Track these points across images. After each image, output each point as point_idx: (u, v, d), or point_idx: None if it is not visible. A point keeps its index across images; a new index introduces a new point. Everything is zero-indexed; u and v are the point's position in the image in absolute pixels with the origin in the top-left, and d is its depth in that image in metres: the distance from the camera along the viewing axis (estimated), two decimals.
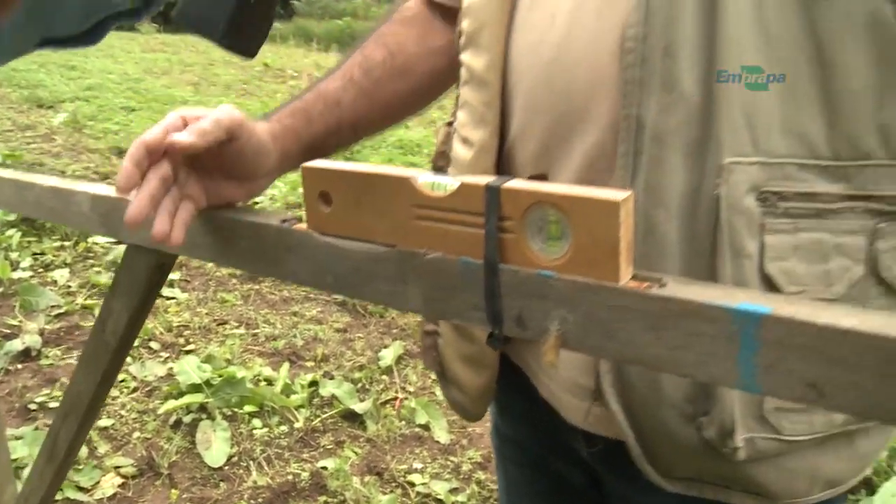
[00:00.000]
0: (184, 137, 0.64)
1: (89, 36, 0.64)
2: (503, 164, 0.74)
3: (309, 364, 2.89)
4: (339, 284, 0.69)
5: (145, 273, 0.93)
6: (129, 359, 2.92)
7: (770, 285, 0.61)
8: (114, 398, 2.62)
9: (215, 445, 2.32)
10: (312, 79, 10.18)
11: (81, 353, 1.10)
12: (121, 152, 6.27)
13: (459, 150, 0.74)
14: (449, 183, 0.58)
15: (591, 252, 0.52)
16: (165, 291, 3.43)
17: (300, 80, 10.36)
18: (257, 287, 3.59)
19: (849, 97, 0.59)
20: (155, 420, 2.48)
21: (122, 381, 2.73)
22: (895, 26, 0.57)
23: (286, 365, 2.81)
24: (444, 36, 0.86)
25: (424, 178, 0.60)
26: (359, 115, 0.83)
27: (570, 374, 0.74)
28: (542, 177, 0.57)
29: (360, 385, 2.72)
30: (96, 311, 3.24)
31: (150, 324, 3.12)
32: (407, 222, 0.61)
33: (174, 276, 3.63)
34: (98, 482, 2.18)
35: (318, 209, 0.68)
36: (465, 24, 0.74)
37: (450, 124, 0.79)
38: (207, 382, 2.54)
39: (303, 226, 0.72)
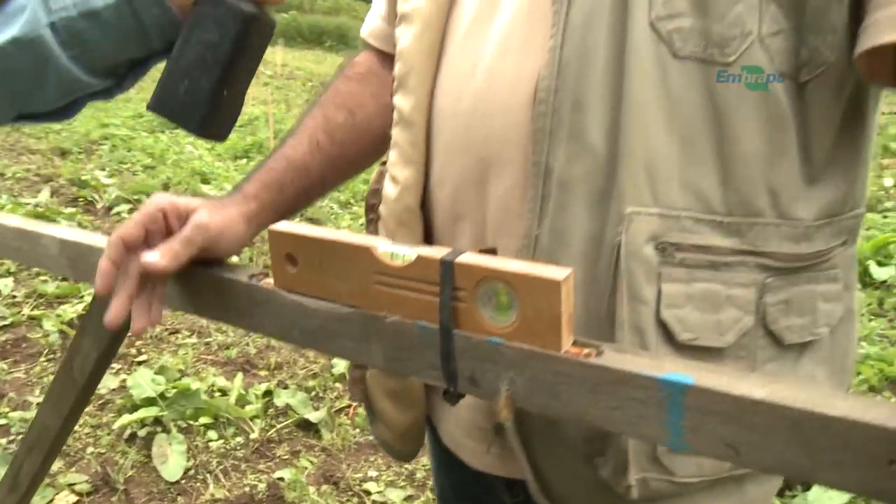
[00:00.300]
0: (157, 261, 0.68)
1: (64, 111, 0.67)
2: (426, 202, 0.78)
3: (262, 373, 2.91)
4: (305, 339, 0.74)
5: None
6: None
7: (665, 331, 0.66)
8: None
9: (172, 459, 2.34)
10: (259, 74, 10.06)
11: (48, 389, 1.12)
12: (63, 153, 6.15)
13: (388, 188, 0.78)
14: (406, 253, 0.64)
15: (536, 322, 0.58)
16: None
17: None
18: None
19: (741, 160, 0.64)
20: (109, 434, 2.48)
21: None
22: (783, 100, 0.64)
23: (240, 375, 2.83)
24: None
25: (384, 248, 0.65)
26: (325, 177, 0.88)
27: (472, 417, 0.79)
28: (491, 250, 0.63)
29: (313, 394, 2.76)
30: (44, 323, 3.20)
31: None
32: (368, 287, 0.67)
33: None
34: (51, 501, 2.18)
35: (284, 269, 0.72)
36: (396, 67, 0.78)
37: (383, 164, 0.84)
38: (162, 395, 2.55)
39: (270, 281, 0.76)
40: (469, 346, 0.62)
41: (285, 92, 9.86)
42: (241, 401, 2.67)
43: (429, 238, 0.80)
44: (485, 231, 0.73)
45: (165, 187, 5.26)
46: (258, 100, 8.61)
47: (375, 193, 0.85)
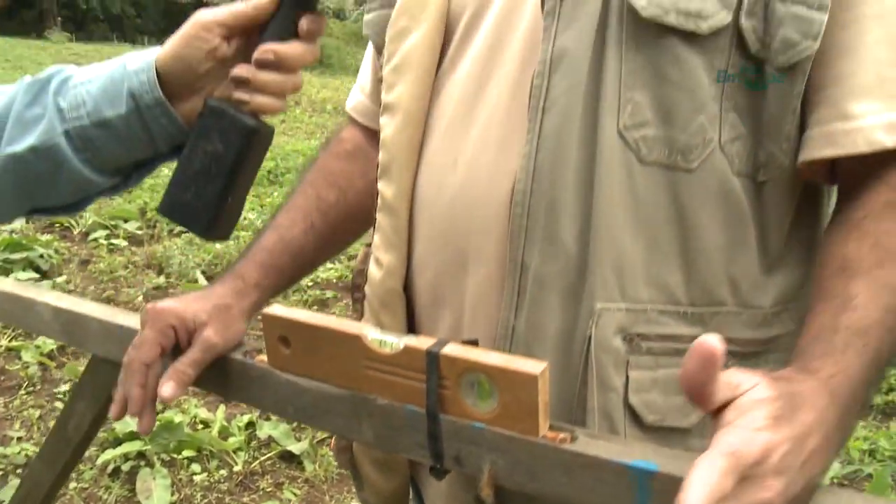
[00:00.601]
0: (173, 392, 0.78)
1: (75, 206, 0.72)
2: (408, 286, 0.82)
3: (244, 404, 2.94)
4: (299, 415, 0.78)
5: (110, 382, 1.00)
6: (60, 403, 2.91)
7: (633, 414, 0.71)
8: None
9: (156, 493, 2.36)
10: None
11: (42, 447, 1.15)
12: None
13: (373, 271, 0.83)
14: (395, 342, 0.69)
15: (515, 410, 0.63)
16: None
17: None
18: None
19: (704, 255, 0.70)
20: (92, 469, 2.49)
21: None
22: (742, 197, 0.70)
23: (222, 406, 2.86)
24: None
25: (373, 336, 0.70)
26: (318, 256, 0.93)
27: (452, 489, 0.83)
28: (473, 342, 0.68)
29: (295, 425, 2.79)
30: (23, 354, 3.20)
31: (80, 366, 3.10)
32: (358, 370, 0.72)
33: None
34: None
35: (278, 350, 0.77)
36: (381, 155, 0.83)
37: (369, 245, 0.88)
38: None
39: (263, 358, 0.81)
40: (454, 429, 0.67)
41: None
42: (224, 433, 2.70)
43: (411, 319, 0.84)
44: (463, 317, 0.77)
45: (142, 213, 5.26)
46: None
47: (361, 274, 0.89)
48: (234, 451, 2.60)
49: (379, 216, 0.83)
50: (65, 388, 3.02)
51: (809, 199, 0.75)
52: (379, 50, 0.87)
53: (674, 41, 0.65)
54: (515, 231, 0.70)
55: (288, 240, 0.90)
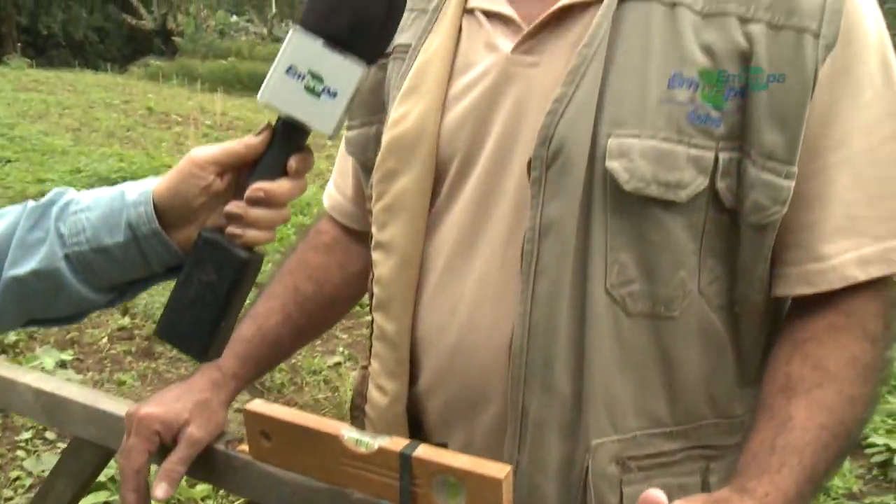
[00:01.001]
0: (167, 492, 0.85)
1: (72, 318, 0.76)
2: (416, 409, 0.86)
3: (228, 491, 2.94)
4: (281, 503, 0.84)
5: (91, 462, 1.04)
6: (23, 452, 2.89)
7: None
8: (8, 500, 2.60)
9: None
10: (198, 124, 9.94)
11: None
12: None
13: (375, 396, 0.87)
14: (370, 442, 0.75)
15: None
16: (59, 374, 3.39)
17: (186, 126, 10.20)
18: (154, 365, 3.60)
19: (687, 382, 0.77)
20: None
21: (15, 479, 2.70)
22: (720, 328, 0.77)
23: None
24: (360, 260, 0.99)
25: (350, 435, 0.76)
26: (294, 344, 0.99)
27: None
28: (443, 444, 0.75)
29: None
30: None
31: None
32: (336, 466, 0.77)
33: (66, 356, 3.58)
34: None
35: (259, 443, 0.82)
36: (376, 289, 0.86)
37: (365, 367, 0.92)
38: (112, 478, 2.56)
39: (245, 447, 0.86)
40: None
41: None
42: (191, 480, 2.70)
43: (418, 432, 0.86)
44: (473, 443, 0.81)
45: None
46: None
47: (361, 395, 0.93)
48: (202, 500, 2.60)
49: (377, 345, 0.86)
50: (27, 435, 3.00)
51: (781, 316, 0.81)
52: (363, 167, 0.91)
53: (655, 209, 0.71)
54: (515, 380, 0.75)
55: (265, 330, 0.95)
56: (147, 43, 24.83)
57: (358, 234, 1.00)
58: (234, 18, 28.39)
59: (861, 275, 0.72)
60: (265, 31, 27.88)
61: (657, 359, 0.75)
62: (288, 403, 3.29)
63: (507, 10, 0.79)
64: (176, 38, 22.74)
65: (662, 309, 0.74)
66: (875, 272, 0.72)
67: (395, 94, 0.84)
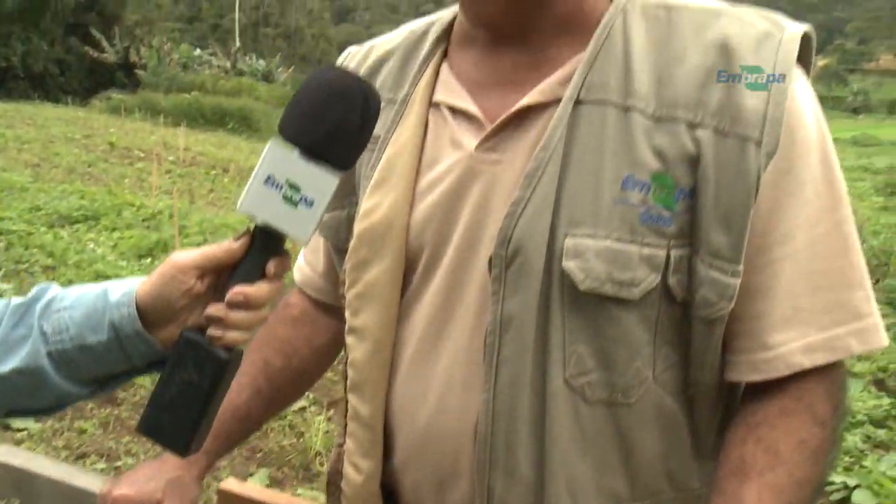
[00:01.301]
0: None
1: (51, 409, 0.78)
2: (390, 484, 0.89)
3: None
4: None
5: None
6: None
7: None
8: None
9: None
10: (161, 160, 9.86)
11: None
12: None
13: (351, 474, 0.90)
14: None
15: None
16: (17, 423, 3.33)
17: (148, 161, 10.12)
18: (116, 412, 3.55)
19: (645, 462, 0.80)
20: None
21: None
22: (676, 410, 0.80)
23: None
24: (329, 331, 1.02)
25: None
26: (264, 416, 1.01)
27: None
28: None
29: None
30: None
31: None
32: None
33: None
34: None
35: None
36: (350, 372, 0.89)
37: (340, 445, 0.95)
38: None
39: None
40: None
41: (189, 181, 9.71)
42: None
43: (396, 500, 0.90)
44: None
45: None
46: (161, 189, 8.51)
47: (336, 473, 0.95)
48: None
49: (352, 425, 0.89)
50: None
51: (735, 393, 0.85)
52: (335, 248, 0.95)
53: (610, 306, 0.75)
54: (480, 464, 0.79)
55: (236, 405, 0.97)
56: (109, 76, 24.65)
57: (327, 307, 1.03)
58: (198, 52, 28.36)
59: (807, 362, 0.76)
60: (228, 64, 27.86)
61: (616, 442, 0.79)
62: (253, 450, 3.27)
63: (472, 108, 0.82)
64: (139, 71, 22.61)
65: (620, 396, 0.77)
66: (820, 360, 0.76)
67: (366, 183, 0.88)
